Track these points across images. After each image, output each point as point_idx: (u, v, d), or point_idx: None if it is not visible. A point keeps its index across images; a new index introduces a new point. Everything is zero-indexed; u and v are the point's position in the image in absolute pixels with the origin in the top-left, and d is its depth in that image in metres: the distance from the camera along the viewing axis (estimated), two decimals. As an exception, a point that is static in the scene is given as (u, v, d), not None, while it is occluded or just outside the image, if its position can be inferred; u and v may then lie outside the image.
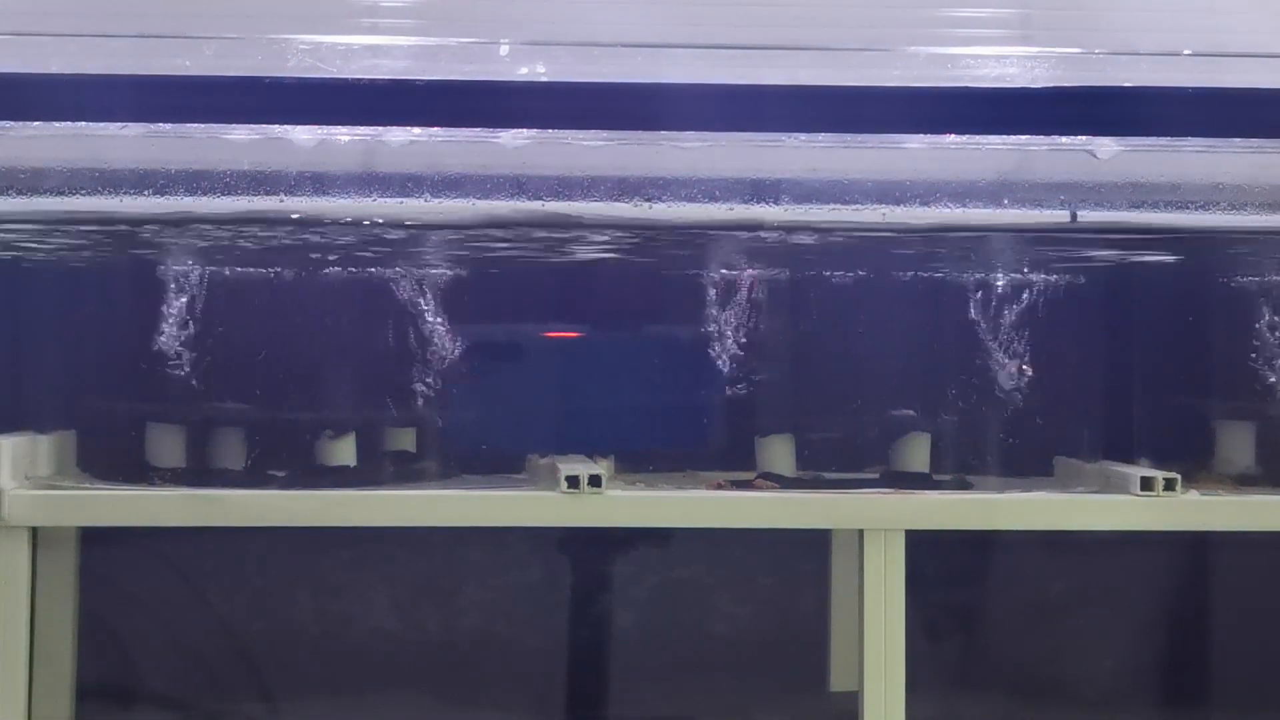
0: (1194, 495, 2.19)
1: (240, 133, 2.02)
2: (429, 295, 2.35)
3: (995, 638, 2.68)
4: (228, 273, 2.38)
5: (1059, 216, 2.26)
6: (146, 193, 2.11)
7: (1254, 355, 2.40)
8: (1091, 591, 2.65)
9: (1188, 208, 2.20)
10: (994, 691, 2.63)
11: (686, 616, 2.63)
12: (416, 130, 2.03)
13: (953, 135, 2.08)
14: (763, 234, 2.25)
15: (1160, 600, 2.68)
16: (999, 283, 2.40)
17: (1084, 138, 2.08)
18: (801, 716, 2.52)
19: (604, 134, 2.06)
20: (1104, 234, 2.30)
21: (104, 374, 2.41)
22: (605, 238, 2.27)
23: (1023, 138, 2.10)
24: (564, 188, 2.15)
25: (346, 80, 2.00)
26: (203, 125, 2.01)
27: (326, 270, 2.43)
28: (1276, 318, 2.41)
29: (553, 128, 2.03)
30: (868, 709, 2.10)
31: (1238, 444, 2.40)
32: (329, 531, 2.29)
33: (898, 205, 2.20)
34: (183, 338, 2.31)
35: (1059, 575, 2.65)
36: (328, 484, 2.23)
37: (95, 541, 2.38)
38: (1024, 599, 2.67)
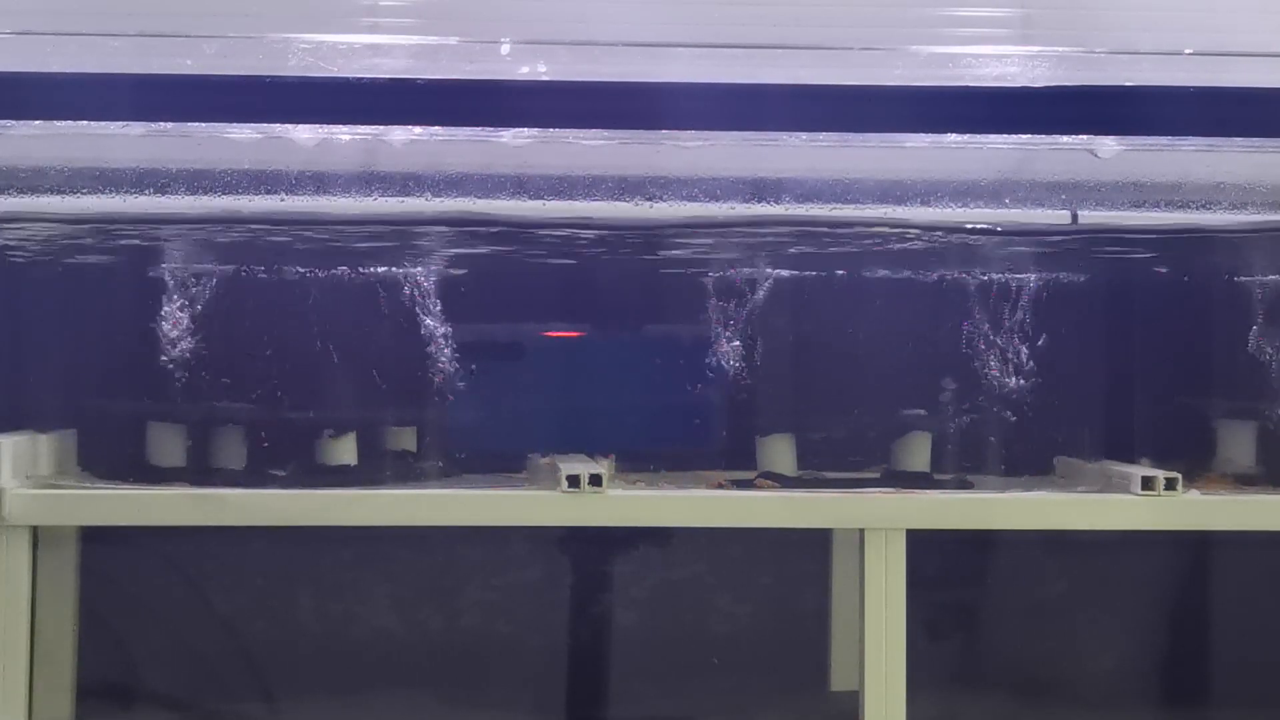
0: (1195, 495, 2.19)
1: (242, 132, 2.02)
2: (430, 294, 2.35)
3: (995, 637, 2.68)
4: (228, 271, 2.37)
5: (1059, 216, 2.26)
6: (148, 191, 2.11)
7: (1254, 354, 2.40)
8: (1091, 590, 2.65)
9: (1189, 207, 2.20)
10: (994, 691, 2.63)
11: (687, 616, 2.63)
12: (417, 129, 2.03)
13: (953, 134, 2.08)
14: (763, 233, 2.25)
15: (1160, 599, 2.68)
16: (999, 282, 2.40)
17: (1084, 137, 2.08)
18: (802, 716, 2.52)
19: (605, 133, 2.06)
20: (1104, 233, 2.30)
21: (105, 373, 2.40)
22: (605, 236, 2.27)
23: (1023, 137, 2.10)
24: (565, 187, 2.16)
25: (348, 79, 1.99)
26: (204, 124, 2.01)
27: (327, 269, 2.43)
28: (1277, 317, 2.41)
29: (554, 127, 2.03)
30: (868, 708, 2.10)
31: (1238, 443, 2.40)
32: (330, 530, 2.29)
33: (898, 204, 2.20)
34: (183, 336, 2.31)
35: (1060, 573, 2.65)
36: (328, 483, 2.23)
37: (95, 541, 2.37)
38: (1024, 598, 2.66)
